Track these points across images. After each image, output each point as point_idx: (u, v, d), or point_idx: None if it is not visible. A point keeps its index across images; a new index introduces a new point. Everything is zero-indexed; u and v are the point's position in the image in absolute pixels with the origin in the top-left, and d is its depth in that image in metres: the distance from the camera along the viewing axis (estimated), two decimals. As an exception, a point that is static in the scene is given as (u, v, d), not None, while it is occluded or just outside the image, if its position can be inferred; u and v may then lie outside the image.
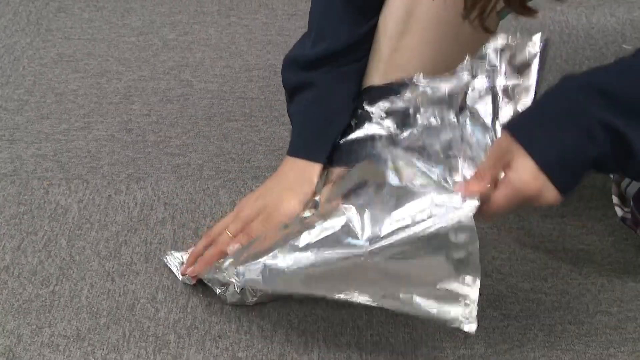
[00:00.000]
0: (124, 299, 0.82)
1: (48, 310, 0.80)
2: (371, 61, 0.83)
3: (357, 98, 0.84)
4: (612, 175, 0.87)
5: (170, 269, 0.84)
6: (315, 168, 0.82)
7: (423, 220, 0.67)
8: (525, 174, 0.63)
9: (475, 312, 0.67)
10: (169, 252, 0.86)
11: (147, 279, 0.84)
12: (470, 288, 0.68)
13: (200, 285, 0.83)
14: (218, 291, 0.80)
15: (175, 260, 0.85)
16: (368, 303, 0.70)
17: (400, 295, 0.69)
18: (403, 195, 0.70)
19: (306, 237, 0.71)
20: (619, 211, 0.84)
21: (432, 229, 0.66)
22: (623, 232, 0.88)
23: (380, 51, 0.81)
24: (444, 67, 0.81)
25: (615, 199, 0.84)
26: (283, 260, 0.71)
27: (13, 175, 0.99)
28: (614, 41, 1.26)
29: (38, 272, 0.85)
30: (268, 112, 1.10)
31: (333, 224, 0.71)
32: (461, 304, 0.67)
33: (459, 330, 0.68)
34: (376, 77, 0.82)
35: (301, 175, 0.82)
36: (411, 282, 0.69)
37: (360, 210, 0.70)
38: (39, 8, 1.35)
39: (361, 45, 0.84)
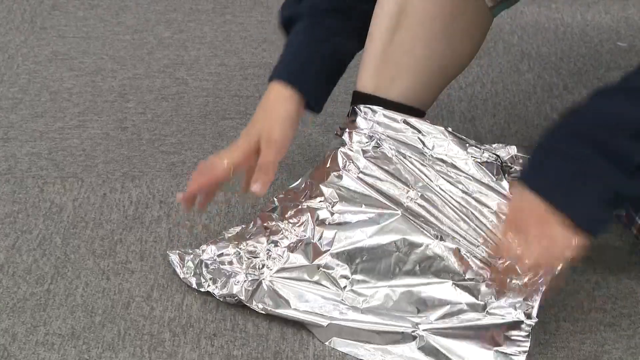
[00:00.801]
0: (119, 297, 0.82)
1: (43, 308, 0.80)
2: (365, 53, 0.83)
3: (352, 52, 0.85)
4: None
5: (173, 267, 0.83)
6: (294, 93, 0.82)
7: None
8: (567, 239, 0.68)
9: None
10: (175, 251, 0.84)
11: (142, 277, 0.84)
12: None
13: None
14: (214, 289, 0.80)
15: (180, 259, 0.83)
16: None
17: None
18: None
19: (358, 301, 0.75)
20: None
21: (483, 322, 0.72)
22: (618, 229, 0.88)
23: (373, 44, 0.81)
24: (437, 65, 0.82)
25: None
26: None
27: (7, 173, 0.99)
28: (609, 39, 1.26)
29: (33, 271, 0.85)
30: (263, 110, 1.10)
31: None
32: None
33: None
34: (369, 72, 0.82)
35: (280, 95, 0.82)
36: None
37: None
38: (33, 6, 1.34)
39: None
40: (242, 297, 0.78)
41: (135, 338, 0.77)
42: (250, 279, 0.79)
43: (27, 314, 0.80)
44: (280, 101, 0.82)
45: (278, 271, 0.79)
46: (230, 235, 0.84)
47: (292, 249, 0.79)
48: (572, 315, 0.80)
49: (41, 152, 1.02)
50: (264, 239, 0.81)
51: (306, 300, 0.77)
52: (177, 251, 0.84)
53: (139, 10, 1.33)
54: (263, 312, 0.77)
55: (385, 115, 0.81)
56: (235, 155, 0.82)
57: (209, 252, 0.82)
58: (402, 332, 0.73)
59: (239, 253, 0.81)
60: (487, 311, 0.72)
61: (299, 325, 0.78)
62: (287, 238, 0.79)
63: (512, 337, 0.71)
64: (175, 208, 0.94)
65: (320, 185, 0.80)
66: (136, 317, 0.79)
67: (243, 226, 0.85)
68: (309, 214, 0.79)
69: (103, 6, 1.34)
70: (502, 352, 0.71)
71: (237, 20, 1.31)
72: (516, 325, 0.71)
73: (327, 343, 0.76)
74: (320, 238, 0.78)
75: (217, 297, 0.79)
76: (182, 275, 0.82)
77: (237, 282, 0.79)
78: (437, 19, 0.79)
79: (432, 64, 0.81)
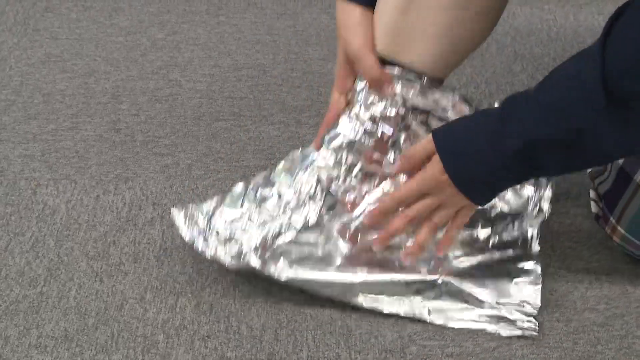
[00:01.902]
0: (113, 300, 0.81)
1: (36, 311, 0.80)
2: (379, 15, 0.80)
3: None
4: (588, 170, 0.87)
5: (176, 227, 0.82)
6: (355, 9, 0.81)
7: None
8: (437, 175, 0.76)
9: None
10: (183, 206, 0.83)
11: (135, 279, 0.84)
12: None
13: (188, 286, 0.83)
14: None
15: (187, 213, 0.82)
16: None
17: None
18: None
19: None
20: (594, 207, 0.84)
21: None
22: (610, 229, 0.88)
23: (388, 6, 0.79)
24: (454, 34, 0.78)
25: (592, 194, 0.85)
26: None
27: (0, 176, 0.98)
28: (602, 39, 1.26)
29: (26, 273, 0.84)
30: (257, 112, 1.10)
31: None
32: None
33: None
34: (384, 33, 0.80)
35: (346, 8, 0.81)
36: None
37: None
38: (26, 8, 1.34)
39: None
40: (257, 266, 0.78)
41: (129, 340, 0.77)
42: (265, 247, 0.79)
43: (20, 316, 0.79)
44: (347, 13, 0.81)
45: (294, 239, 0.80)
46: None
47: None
48: (565, 316, 0.80)
49: (34, 154, 1.02)
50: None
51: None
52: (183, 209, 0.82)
53: (132, 12, 1.33)
54: (283, 281, 0.78)
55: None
56: (340, 85, 0.83)
57: (220, 215, 0.81)
58: (426, 281, 0.79)
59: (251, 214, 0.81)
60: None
61: (292, 326, 0.78)
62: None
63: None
64: (168, 210, 0.94)
65: None
66: (129, 319, 0.79)
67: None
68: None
69: (96, 8, 1.34)
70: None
71: (231, 21, 1.31)
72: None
73: (354, 301, 0.79)
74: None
75: (228, 266, 0.79)
76: (187, 237, 0.80)
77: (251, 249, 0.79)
78: (453, 4, 0.77)
79: (449, 33, 0.78)
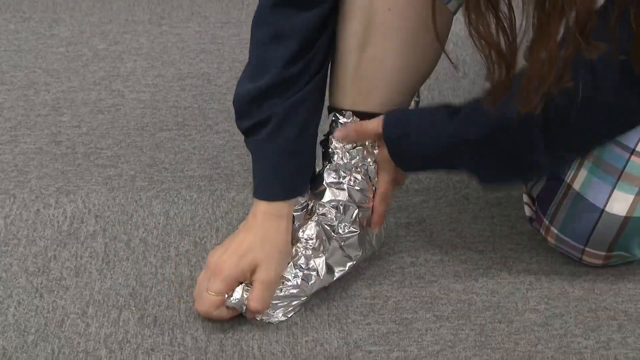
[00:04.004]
0: (53, 315, 0.80)
1: (-27, 330, 0.78)
2: (335, 77, 0.82)
3: (320, 115, 0.83)
4: None
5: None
6: (286, 204, 0.80)
7: None
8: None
9: None
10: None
11: (77, 294, 0.82)
12: None
13: (132, 299, 0.82)
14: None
15: None
16: None
17: None
18: None
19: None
20: (527, 210, 0.86)
21: None
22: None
23: (344, 65, 0.81)
24: (410, 72, 0.82)
25: (525, 198, 0.87)
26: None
27: (-64, 191, 0.96)
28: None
29: (-38, 291, 0.82)
30: (202, 121, 1.09)
31: None
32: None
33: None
34: (344, 90, 0.82)
35: (278, 222, 0.79)
36: None
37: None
38: (-37, 19, 1.31)
39: (310, 66, 0.80)
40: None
41: (70, 356, 0.76)
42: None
43: (-44, 335, 0.77)
44: (274, 226, 0.79)
45: None
46: None
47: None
48: (507, 317, 0.81)
49: (-29, 168, 1.00)
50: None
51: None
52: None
53: (73, 22, 1.31)
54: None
55: None
56: (224, 288, 0.77)
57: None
58: None
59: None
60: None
61: (238, 336, 0.78)
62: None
63: None
64: (111, 222, 0.92)
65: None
66: (71, 335, 0.78)
67: None
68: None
69: (36, 19, 1.32)
70: None
71: (174, 31, 1.30)
72: None
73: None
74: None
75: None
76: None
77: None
78: (403, 30, 0.79)
79: (405, 73, 0.81)
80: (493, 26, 0.64)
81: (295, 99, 0.79)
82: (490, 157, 0.78)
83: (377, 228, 0.85)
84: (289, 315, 0.80)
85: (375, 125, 0.80)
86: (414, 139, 0.79)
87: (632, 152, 0.77)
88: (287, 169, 0.81)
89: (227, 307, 0.77)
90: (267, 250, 0.78)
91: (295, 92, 0.79)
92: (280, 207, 0.80)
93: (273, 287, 0.79)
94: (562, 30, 0.62)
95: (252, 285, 0.78)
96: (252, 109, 0.81)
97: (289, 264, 0.80)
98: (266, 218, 0.80)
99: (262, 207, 0.80)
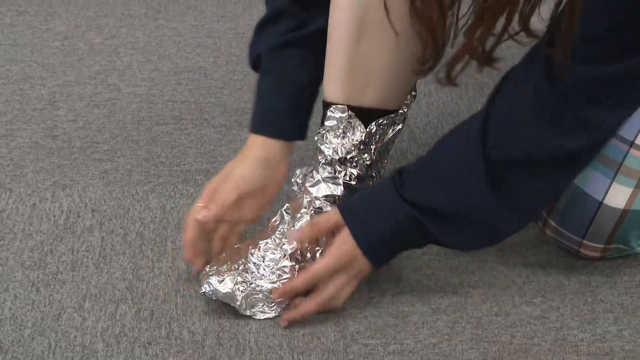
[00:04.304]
0: (50, 309, 0.80)
1: (-31, 324, 0.78)
2: (329, 69, 0.82)
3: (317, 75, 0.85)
4: None
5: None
6: (273, 140, 0.83)
7: None
8: (347, 245, 0.78)
9: None
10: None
11: (73, 288, 0.82)
12: None
13: (129, 292, 0.82)
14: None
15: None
16: None
17: None
18: None
19: None
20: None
21: None
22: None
23: (337, 58, 0.80)
24: (406, 65, 0.81)
25: None
26: None
27: None
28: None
29: (-42, 285, 0.82)
30: (198, 115, 1.09)
31: None
32: None
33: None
34: (338, 84, 0.81)
35: (254, 143, 0.84)
36: None
37: None
38: (-42, 13, 1.30)
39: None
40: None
41: (67, 350, 0.76)
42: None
43: (-47, 330, 0.77)
44: (256, 147, 0.83)
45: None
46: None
47: None
48: (503, 310, 0.81)
49: (-33, 162, 0.99)
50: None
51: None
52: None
53: (68, 16, 1.31)
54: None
55: None
56: (206, 195, 0.83)
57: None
58: None
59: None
60: None
61: (235, 330, 0.78)
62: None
63: None
64: (108, 216, 0.92)
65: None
66: (67, 329, 0.78)
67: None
68: None
69: (31, 13, 1.31)
70: None
71: (170, 25, 1.30)
72: None
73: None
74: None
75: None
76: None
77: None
78: (399, 22, 0.79)
79: (401, 66, 0.80)
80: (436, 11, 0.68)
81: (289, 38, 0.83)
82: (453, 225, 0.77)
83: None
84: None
85: (328, 213, 0.80)
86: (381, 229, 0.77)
87: (631, 145, 0.77)
88: (275, 106, 0.84)
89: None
90: (238, 161, 0.83)
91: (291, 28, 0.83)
92: (267, 141, 0.83)
93: (233, 183, 0.82)
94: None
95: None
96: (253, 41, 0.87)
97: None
98: (251, 145, 0.84)
99: (252, 139, 0.84)
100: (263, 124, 0.84)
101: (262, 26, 0.86)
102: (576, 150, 0.73)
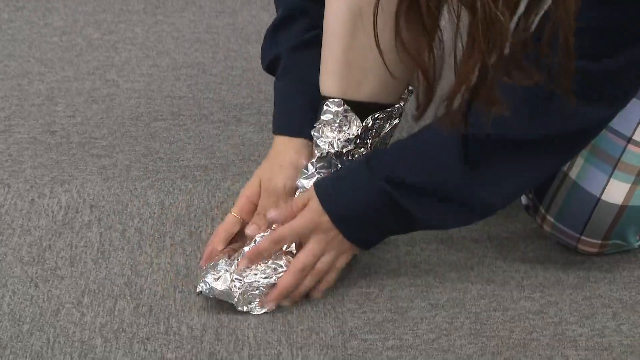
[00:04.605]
0: (48, 305, 0.80)
1: (-32, 319, 0.78)
2: (325, 62, 0.82)
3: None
4: None
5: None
6: (300, 140, 0.84)
7: None
8: (313, 212, 0.78)
9: None
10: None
11: (72, 283, 0.82)
12: None
13: (127, 288, 0.82)
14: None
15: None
16: None
17: None
18: None
19: None
20: (523, 199, 0.86)
21: None
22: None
23: (333, 52, 0.80)
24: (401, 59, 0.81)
25: None
26: None
27: None
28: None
29: (-43, 281, 0.82)
30: (196, 111, 1.09)
31: None
32: None
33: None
34: (334, 78, 0.81)
35: (285, 146, 0.84)
36: None
37: None
38: (-44, 8, 1.30)
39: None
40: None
41: (65, 345, 0.76)
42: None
43: (-49, 325, 0.77)
44: (285, 151, 0.84)
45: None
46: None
47: None
48: (502, 305, 0.81)
49: (-35, 158, 0.99)
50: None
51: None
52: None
53: (66, 11, 1.31)
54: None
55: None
56: (242, 204, 0.84)
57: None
58: None
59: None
60: None
61: (233, 325, 0.78)
62: None
63: None
64: (106, 212, 0.92)
65: None
66: (66, 324, 0.78)
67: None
68: None
69: (29, 8, 1.31)
70: None
71: (169, 20, 1.29)
72: None
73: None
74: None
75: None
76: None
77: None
78: (393, 15, 0.78)
79: (397, 61, 0.80)
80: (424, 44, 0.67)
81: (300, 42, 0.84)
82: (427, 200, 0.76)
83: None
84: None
85: (304, 193, 0.80)
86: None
87: (629, 140, 0.77)
88: (298, 106, 0.84)
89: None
90: (272, 167, 0.83)
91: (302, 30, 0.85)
92: (296, 143, 0.84)
93: (274, 196, 0.83)
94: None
95: None
96: (267, 46, 0.88)
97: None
98: (281, 148, 0.85)
99: (278, 140, 0.85)
100: (288, 125, 0.84)
101: (277, 27, 0.86)
102: (558, 139, 0.73)
